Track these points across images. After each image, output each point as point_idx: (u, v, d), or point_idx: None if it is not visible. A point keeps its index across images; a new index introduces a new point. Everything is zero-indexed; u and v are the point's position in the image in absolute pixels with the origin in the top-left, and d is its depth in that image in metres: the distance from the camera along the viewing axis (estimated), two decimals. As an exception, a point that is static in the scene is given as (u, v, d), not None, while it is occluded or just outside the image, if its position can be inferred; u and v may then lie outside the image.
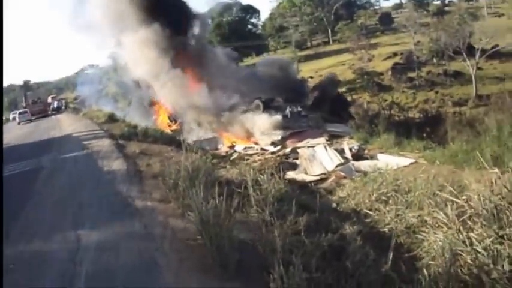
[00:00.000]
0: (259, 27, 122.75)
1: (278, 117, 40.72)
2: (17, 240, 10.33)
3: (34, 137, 36.41)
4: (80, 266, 8.13)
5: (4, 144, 33.40)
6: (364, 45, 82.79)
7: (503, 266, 5.84)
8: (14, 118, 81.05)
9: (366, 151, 28.88)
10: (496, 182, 6.95)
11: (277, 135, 37.16)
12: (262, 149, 35.03)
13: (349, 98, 69.67)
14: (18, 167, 22.37)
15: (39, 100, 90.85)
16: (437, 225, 7.64)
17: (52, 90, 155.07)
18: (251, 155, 32.86)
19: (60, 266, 8.30)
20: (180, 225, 9.58)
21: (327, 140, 32.43)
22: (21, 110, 79.00)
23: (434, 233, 7.33)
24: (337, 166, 24.89)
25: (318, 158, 26.88)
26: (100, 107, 60.18)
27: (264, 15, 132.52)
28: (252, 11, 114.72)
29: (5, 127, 63.76)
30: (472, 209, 6.94)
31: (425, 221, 8.69)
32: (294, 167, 27.75)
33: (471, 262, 6.20)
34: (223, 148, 38.37)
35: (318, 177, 24.01)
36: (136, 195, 12.70)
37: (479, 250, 6.15)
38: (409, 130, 35.68)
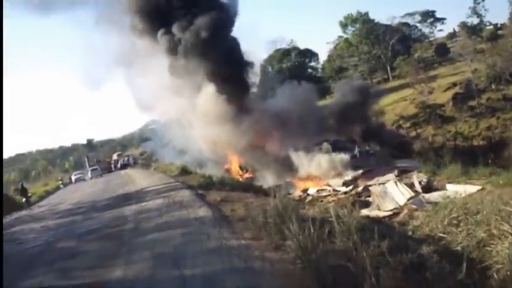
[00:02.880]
0: (319, 70, 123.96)
1: (347, 157, 41.42)
2: (125, 274, 11.42)
3: (109, 194, 37.05)
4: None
5: (79, 203, 35.18)
6: (423, 78, 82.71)
7: None
8: (76, 180, 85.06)
9: (434, 183, 28.85)
10: None
11: (348, 175, 37.52)
12: (334, 190, 35.23)
13: (413, 133, 71.37)
14: (103, 218, 23.36)
15: (100, 160, 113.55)
16: (503, 236, 8.28)
17: (116, 148, 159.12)
18: (324, 196, 33.49)
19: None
20: (276, 257, 10.41)
21: (396, 176, 32.69)
22: (92, 167, 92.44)
23: (502, 243, 8.02)
24: (408, 200, 25.12)
25: (389, 194, 27.18)
26: (170, 161, 62.33)
27: (323, 57, 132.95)
28: (310, 54, 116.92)
29: (72, 187, 68.60)
30: None
31: (493, 234, 9.28)
32: (367, 204, 28.16)
33: None
34: (296, 192, 38.43)
35: (391, 212, 24.33)
36: (228, 236, 13.37)
37: None
38: (474, 158, 35.86)
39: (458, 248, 10.30)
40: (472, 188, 22.97)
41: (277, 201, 13.22)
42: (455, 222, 12.40)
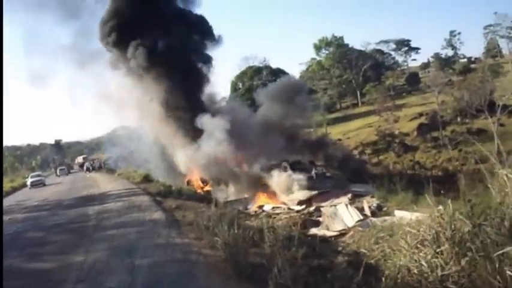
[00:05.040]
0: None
1: (304, 178, 41.62)
2: (85, 259, 13.44)
3: (74, 194, 38.91)
4: (137, 276, 10.95)
5: (46, 200, 36.98)
6: (390, 106, 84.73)
7: (437, 273, 8.16)
8: (33, 184, 70.06)
9: (384, 208, 29.62)
10: (439, 216, 9.27)
11: (304, 196, 38.05)
12: (289, 208, 35.99)
13: (375, 159, 72.54)
14: (68, 215, 25.11)
15: (64, 162, 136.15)
16: (399, 250, 9.97)
17: (83, 151, 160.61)
18: (278, 213, 33.75)
19: (121, 278, 11.03)
20: (211, 253, 12.40)
21: (350, 200, 33.61)
22: (60, 167, 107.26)
23: (397, 257, 9.72)
24: (356, 222, 26.07)
25: (339, 215, 28.15)
26: (133, 168, 62.96)
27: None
28: (281, 74, 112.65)
29: (34, 190, 63.54)
30: (422, 236, 9.31)
31: (394, 249, 10.93)
32: (317, 224, 28.96)
33: (416, 272, 8.61)
34: (252, 208, 39.16)
35: (338, 233, 25.16)
36: (175, 235, 15.59)
37: (423, 263, 8.34)
38: (427, 188, 36.31)
39: (372, 261, 11.55)
40: (417, 215, 24.39)
41: (217, 210, 15.65)
42: (380, 241, 13.74)
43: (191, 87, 54.71)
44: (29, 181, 73.07)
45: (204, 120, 48.09)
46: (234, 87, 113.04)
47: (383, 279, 8.78)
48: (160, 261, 12.43)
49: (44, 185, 69.62)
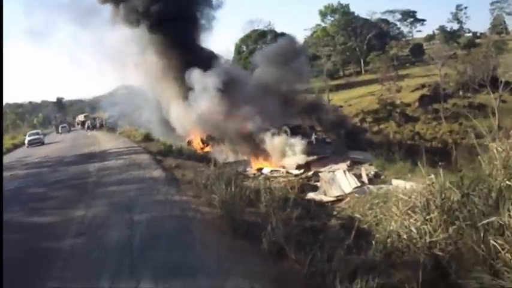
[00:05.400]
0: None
1: (304, 143, 41.96)
2: (85, 214, 13.87)
3: (75, 151, 39.27)
4: (136, 231, 11.29)
5: (47, 157, 37.42)
6: (392, 76, 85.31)
7: (425, 239, 8.44)
8: (30, 142, 66.75)
9: (382, 176, 29.70)
10: (430, 184, 9.53)
11: (302, 160, 38.43)
12: (287, 172, 36.25)
13: (375, 128, 73.03)
14: (69, 172, 25.60)
15: (65, 120, 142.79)
16: (391, 216, 10.25)
17: (85, 109, 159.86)
18: (276, 177, 33.79)
19: (120, 232, 11.37)
20: (207, 210, 12.73)
21: (348, 166, 33.69)
22: (62, 125, 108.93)
23: (388, 222, 10.02)
24: (353, 189, 26.15)
25: (337, 181, 28.35)
26: (135, 127, 62.42)
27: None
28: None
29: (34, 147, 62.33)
30: (413, 203, 9.58)
31: (385, 215, 11.21)
32: (315, 189, 28.99)
33: (406, 238, 8.89)
34: (251, 171, 38.94)
35: (334, 198, 24.86)
36: (174, 193, 15.86)
37: (412, 229, 8.62)
38: (425, 158, 36.40)
39: (365, 226, 11.98)
40: (411, 184, 24.57)
41: (216, 169, 16.07)
42: (374, 207, 13.98)
43: (186, 39, 54.63)
44: (27, 139, 69.07)
45: (194, 77, 47.78)
46: (238, 50, 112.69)
47: (373, 243, 8.98)
48: (158, 217, 12.78)
49: (43, 143, 66.78)
